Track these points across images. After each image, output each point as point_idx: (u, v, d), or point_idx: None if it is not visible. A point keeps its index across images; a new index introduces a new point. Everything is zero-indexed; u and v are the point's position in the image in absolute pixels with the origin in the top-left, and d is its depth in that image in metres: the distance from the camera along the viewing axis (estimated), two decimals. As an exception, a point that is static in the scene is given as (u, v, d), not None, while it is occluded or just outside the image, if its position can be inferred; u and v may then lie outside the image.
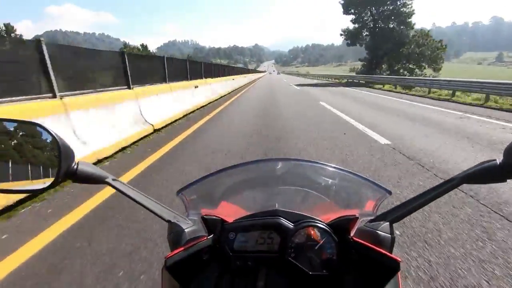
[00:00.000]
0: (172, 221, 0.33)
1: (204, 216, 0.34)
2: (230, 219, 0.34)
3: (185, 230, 0.32)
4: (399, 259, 0.27)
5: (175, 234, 0.33)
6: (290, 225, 0.31)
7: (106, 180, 0.33)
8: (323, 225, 0.31)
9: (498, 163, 0.27)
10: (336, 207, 0.39)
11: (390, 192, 0.34)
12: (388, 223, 0.31)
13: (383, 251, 0.28)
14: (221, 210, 0.39)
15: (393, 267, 0.27)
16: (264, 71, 67.92)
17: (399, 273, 0.28)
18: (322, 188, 0.40)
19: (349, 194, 0.40)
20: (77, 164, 0.32)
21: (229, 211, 0.38)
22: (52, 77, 1.77)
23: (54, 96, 1.83)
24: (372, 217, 0.33)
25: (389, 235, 0.30)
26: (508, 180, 0.26)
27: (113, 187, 0.33)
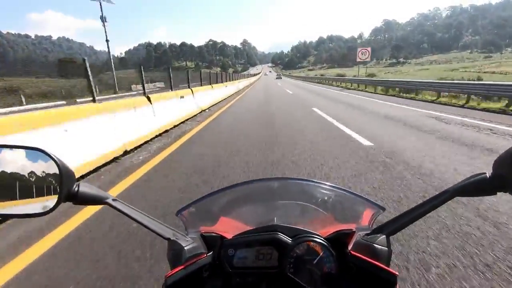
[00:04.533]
0: (172, 238, 0.48)
1: (203, 234, 0.51)
2: (229, 235, 0.50)
3: (185, 247, 0.47)
4: (396, 273, 0.42)
5: (174, 252, 0.47)
6: (288, 240, 0.46)
7: (106, 200, 0.49)
8: (321, 239, 0.46)
9: (488, 176, 0.41)
10: (333, 220, 0.57)
11: (383, 209, 0.52)
12: (384, 236, 0.46)
13: (381, 265, 0.43)
14: (220, 226, 0.57)
15: (390, 280, 0.41)
16: (258, 73, 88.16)
17: (397, 286, 0.42)
18: (319, 202, 0.59)
19: (345, 209, 0.60)
20: (78, 186, 0.46)
21: (228, 227, 0.55)
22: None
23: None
24: (369, 231, 0.48)
25: (386, 248, 0.45)
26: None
27: (113, 207, 0.48)
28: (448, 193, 0.44)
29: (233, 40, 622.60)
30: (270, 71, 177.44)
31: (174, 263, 0.47)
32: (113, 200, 0.49)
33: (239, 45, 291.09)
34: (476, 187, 0.42)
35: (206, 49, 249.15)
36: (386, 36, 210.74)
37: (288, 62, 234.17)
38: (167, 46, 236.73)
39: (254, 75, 61.45)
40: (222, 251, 0.48)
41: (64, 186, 0.44)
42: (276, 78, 62.37)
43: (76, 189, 0.46)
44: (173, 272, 0.45)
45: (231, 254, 0.47)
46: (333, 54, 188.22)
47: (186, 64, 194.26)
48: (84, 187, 0.47)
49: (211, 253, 0.48)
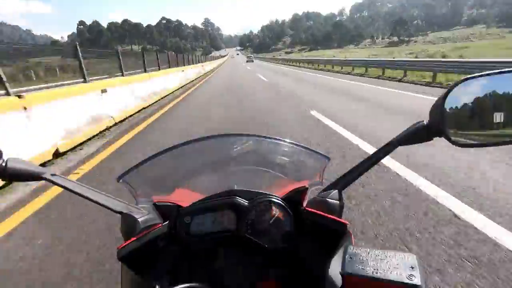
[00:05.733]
0: (124, 212, 0.53)
1: (157, 203, 0.58)
2: (185, 204, 0.57)
3: (139, 219, 0.52)
4: (346, 222, 0.51)
5: (127, 225, 0.52)
6: (245, 202, 0.56)
7: (44, 175, 0.53)
8: (277, 199, 0.57)
9: (425, 123, 0.52)
10: (289, 181, 0.66)
11: (328, 158, 0.64)
12: (337, 191, 0.57)
13: (331, 216, 0.52)
14: (176, 197, 0.63)
15: (341, 230, 0.51)
16: (225, 55, 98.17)
17: (352, 235, 0.50)
18: (275, 164, 0.70)
19: (298, 167, 0.71)
20: (6, 161, 0.50)
21: (185, 197, 0.61)
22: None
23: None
24: (320, 186, 0.62)
25: (337, 202, 0.56)
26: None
27: (53, 182, 0.52)
28: (392, 144, 0.55)
29: (193, 20, 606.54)
30: (237, 54, 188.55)
31: (128, 236, 0.51)
32: (53, 175, 0.53)
33: (200, 25, 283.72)
34: (415, 136, 0.53)
35: (158, 30, 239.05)
36: (367, 13, 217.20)
37: (260, 44, 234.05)
38: (105, 26, 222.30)
39: (218, 58, 60.90)
40: (178, 220, 0.56)
41: None
42: (247, 62, 59.43)
43: (3, 164, 0.50)
44: (125, 243, 0.50)
45: (188, 221, 0.55)
46: (314, 34, 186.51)
47: (132, 48, 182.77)
48: (14, 162, 0.51)
49: (166, 222, 0.56)
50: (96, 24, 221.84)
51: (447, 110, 0.52)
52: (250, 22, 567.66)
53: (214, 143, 0.69)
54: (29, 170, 0.52)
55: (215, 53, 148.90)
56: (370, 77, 15.11)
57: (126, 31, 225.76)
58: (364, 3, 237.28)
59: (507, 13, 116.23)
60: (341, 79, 15.17)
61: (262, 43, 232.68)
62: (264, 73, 22.15)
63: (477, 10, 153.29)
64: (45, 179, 0.53)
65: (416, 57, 28.99)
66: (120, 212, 0.53)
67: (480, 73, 0.54)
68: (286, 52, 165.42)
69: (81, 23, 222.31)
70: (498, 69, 0.54)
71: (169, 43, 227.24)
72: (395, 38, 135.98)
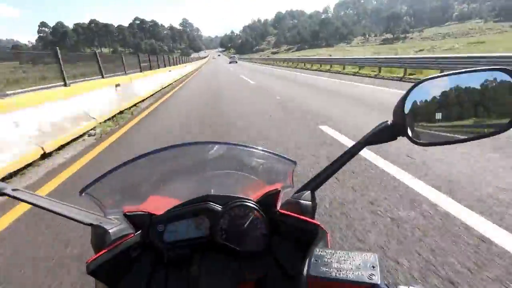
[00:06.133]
0: (94, 223, 0.55)
1: (127, 213, 0.60)
2: (160, 212, 0.61)
3: (109, 230, 0.54)
4: (318, 223, 0.54)
5: (98, 237, 0.54)
6: (218, 208, 0.60)
7: (4, 191, 0.53)
8: (250, 202, 0.61)
9: (389, 123, 0.59)
10: (263, 184, 0.71)
11: (295, 162, 0.69)
12: (309, 192, 0.63)
13: (303, 217, 0.56)
14: (150, 205, 0.66)
15: (313, 230, 0.54)
16: (205, 57, 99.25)
17: (328, 235, 0.54)
18: (249, 168, 0.73)
19: (271, 171, 0.75)
20: None
21: (159, 204, 0.64)
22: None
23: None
24: (291, 188, 0.68)
25: (310, 203, 0.61)
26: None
27: (16, 198, 0.53)
28: (360, 144, 0.61)
29: (170, 21, 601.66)
30: (219, 55, 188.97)
31: (99, 248, 0.53)
32: (14, 190, 0.54)
33: (177, 26, 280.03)
34: (380, 136, 0.59)
35: (131, 31, 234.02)
36: (352, 11, 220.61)
37: (242, 45, 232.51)
38: (71, 28, 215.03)
39: (197, 59, 60.04)
40: (150, 228, 0.59)
41: None
42: (230, 63, 57.12)
43: None
44: (95, 256, 0.51)
45: (161, 230, 0.58)
46: (301, 32, 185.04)
47: (101, 51, 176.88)
48: None
49: (139, 232, 0.58)
50: (60, 25, 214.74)
51: (408, 110, 0.58)
52: (231, 22, 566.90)
53: (186, 150, 0.72)
54: None
55: (194, 55, 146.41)
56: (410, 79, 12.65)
57: (94, 32, 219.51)
58: (348, 0, 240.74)
59: (504, 6, 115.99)
60: (370, 85, 11.98)
61: (245, 43, 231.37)
62: (254, 77, 20.51)
63: (468, 5, 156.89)
64: (6, 194, 0.53)
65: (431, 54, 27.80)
66: (90, 224, 0.55)
67: (439, 74, 0.60)
68: (272, 52, 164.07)
69: (43, 24, 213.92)
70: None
71: (144, 44, 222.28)
72: (389, 35, 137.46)
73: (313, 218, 0.59)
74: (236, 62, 60.85)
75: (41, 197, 0.55)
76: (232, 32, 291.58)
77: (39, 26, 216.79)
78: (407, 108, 0.57)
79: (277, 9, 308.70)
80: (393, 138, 0.59)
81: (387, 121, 0.59)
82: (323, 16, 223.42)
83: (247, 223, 0.59)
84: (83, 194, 0.59)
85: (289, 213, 0.59)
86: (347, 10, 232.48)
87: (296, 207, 0.60)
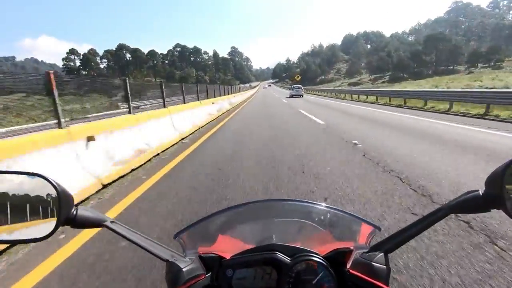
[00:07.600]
0: (170, 260, 0.72)
1: (201, 255, 0.77)
2: (227, 255, 0.76)
3: (183, 269, 0.70)
4: None
5: (172, 274, 0.71)
6: (287, 259, 0.71)
7: (105, 223, 0.73)
8: (320, 258, 0.70)
9: (481, 193, 0.66)
10: (330, 238, 0.88)
11: (379, 228, 0.81)
12: (382, 254, 0.70)
13: (379, 283, 0.64)
14: (219, 245, 0.87)
15: None
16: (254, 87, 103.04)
17: None
18: (316, 220, 0.90)
19: (342, 227, 0.93)
20: (76, 209, 0.70)
21: (227, 246, 0.84)
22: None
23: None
24: (366, 250, 0.75)
25: (384, 266, 0.68)
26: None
27: (112, 230, 0.72)
28: (443, 210, 0.68)
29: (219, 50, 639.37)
30: (269, 85, 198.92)
31: (173, 285, 0.68)
32: (112, 222, 0.73)
33: (225, 55, 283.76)
34: (469, 205, 0.66)
35: (171, 59, 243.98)
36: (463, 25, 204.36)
37: (301, 74, 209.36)
38: (100, 55, 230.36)
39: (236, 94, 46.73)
40: (220, 272, 0.71)
41: (62, 210, 0.66)
42: (292, 96, 45.15)
43: (74, 212, 0.69)
44: None
45: (230, 275, 0.70)
46: (400, 57, 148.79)
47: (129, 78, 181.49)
48: (83, 211, 0.71)
49: (209, 274, 0.72)
50: (92, 52, 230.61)
51: (508, 181, 0.63)
52: (285, 53, 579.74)
53: (259, 206, 0.98)
54: (92, 217, 0.72)
55: (240, 86, 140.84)
56: None
57: (121, 58, 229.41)
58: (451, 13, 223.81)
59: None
60: None
61: (307, 71, 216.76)
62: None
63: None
64: (106, 226, 0.72)
65: None
66: (167, 260, 0.72)
67: None
68: (350, 84, 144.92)
69: (72, 51, 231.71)
70: None
71: (178, 74, 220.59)
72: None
73: (387, 284, 0.67)
74: (302, 95, 47.37)
75: (131, 231, 0.74)
76: (288, 60, 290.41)
77: (67, 53, 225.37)
78: (506, 179, 0.62)
79: (336, 38, 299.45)
80: (486, 209, 0.65)
81: (477, 190, 0.66)
82: (410, 38, 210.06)
83: (316, 279, 0.67)
84: (177, 238, 0.84)
85: (361, 275, 0.67)
86: (456, 28, 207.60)
87: (368, 269, 0.68)
